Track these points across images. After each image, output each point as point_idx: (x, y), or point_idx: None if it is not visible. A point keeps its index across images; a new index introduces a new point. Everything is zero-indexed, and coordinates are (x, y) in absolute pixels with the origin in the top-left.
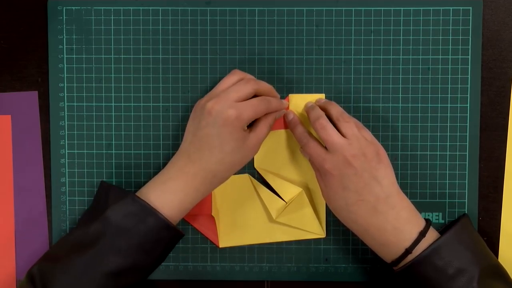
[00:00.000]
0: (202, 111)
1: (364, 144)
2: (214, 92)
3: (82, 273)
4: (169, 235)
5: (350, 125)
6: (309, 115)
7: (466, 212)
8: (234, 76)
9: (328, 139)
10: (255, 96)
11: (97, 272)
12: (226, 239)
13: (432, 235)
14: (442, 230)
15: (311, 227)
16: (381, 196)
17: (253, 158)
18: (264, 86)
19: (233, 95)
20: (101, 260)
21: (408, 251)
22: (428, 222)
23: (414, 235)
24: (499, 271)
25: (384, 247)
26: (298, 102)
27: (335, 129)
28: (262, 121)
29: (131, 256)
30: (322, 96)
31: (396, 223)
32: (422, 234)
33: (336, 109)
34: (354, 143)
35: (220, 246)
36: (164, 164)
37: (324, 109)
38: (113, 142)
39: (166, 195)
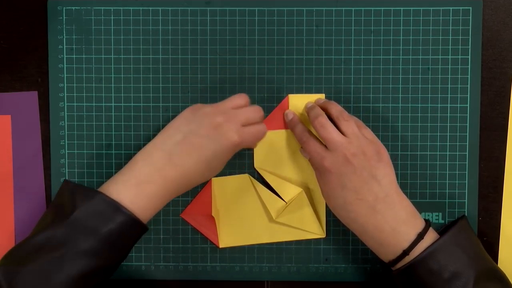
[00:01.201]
0: (206, 120)
1: (364, 142)
2: (221, 107)
3: (49, 276)
4: (138, 231)
5: (350, 123)
6: (309, 114)
7: (466, 212)
8: (242, 100)
9: (327, 137)
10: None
11: (64, 275)
12: (226, 239)
13: (431, 236)
14: (442, 231)
15: (311, 227)
16: (380, 195)
17: (253, 158)
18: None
19: (242, 118)
20: (69, 263)
21: (405, 252)
22: (428, 223)
23: (412, 236)
24: (497, 274)
25: (382, 247)
26: (298, 102)
27: (334, 127)
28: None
29: (99, 256)
30: (322, 96)
31: (394, 224)
32: (420, 236)
33: (336, 108)
34: (354, 141)
35: (220, 246)
36: None
37: (324, 109)
38: (113, 142)
39: (140, 199)
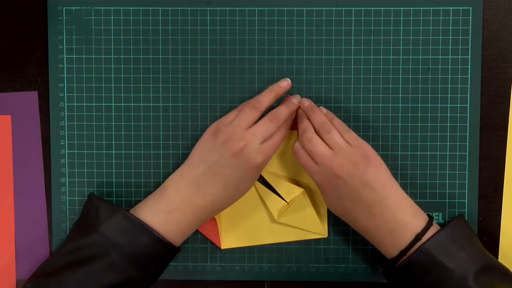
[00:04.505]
0: (226, 149)
1: (348, 151)
2: (237, 131)
3: None
4: (164, 251)
5: (332, 134)
6: (298, 125)
7: (466, 212)
8: (254, 114)
9: (314, 150)
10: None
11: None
12: (228, 241)
13: (430, 235)
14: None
15: (313, 227)
16: (375, 199)
17: None
18: (283, 113)
19: (259, 137)
20: (96, 277)
21: (402, 253)
22: (429, 223)
23: (409, 237)
24: (498, 268)
25: (382, 247)
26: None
27: (321, 141)
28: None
29: (125, 272)
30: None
31: (392, 226)
32: (418, 237)
33: (317, 119)
34: (339, 152)
35: (222, 247)
36: (164, 165)
37: (307, 114)
38: (113, 142)
39: (170, 225)
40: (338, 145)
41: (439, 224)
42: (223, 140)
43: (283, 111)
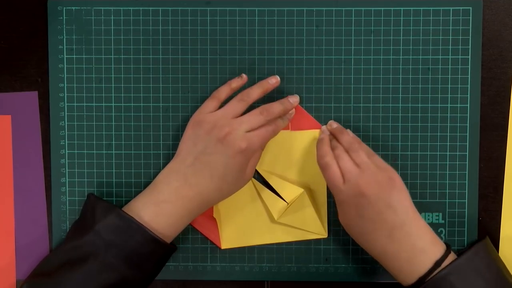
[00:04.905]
0: (210, 137)
1: (375, 171)
2: (222, 120)
3: None
4: (160, 250)
5: (360, 154)
6: (329, 144)
7: (466, 212)
8: (240, 106)
9: (342, 166)
10: None
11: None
12: (228, 241)
13: (449, 262)
14: (460, 253)
15: (313, 228)
16: (396, 223)
17: None
18: (275, 109)
19: (245, 126)
20: (92, 277)
21: (421, 281)
22: (447, 250)
23: (428, 264)
24: None
25: (400, 273)
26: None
27: (349, 158)
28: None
29: (120, 271)
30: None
31: (411, 253)
32: (438, 264)
33: (346, 138)
34: (366, 171)
35: (222, 248)
36: (164, 165)
37: (334, 136)
38: (113, 142)
39: (160, 217)
40: (366, 164)
41: (439, 224)
42: (207, 129)
43: (276, 107)
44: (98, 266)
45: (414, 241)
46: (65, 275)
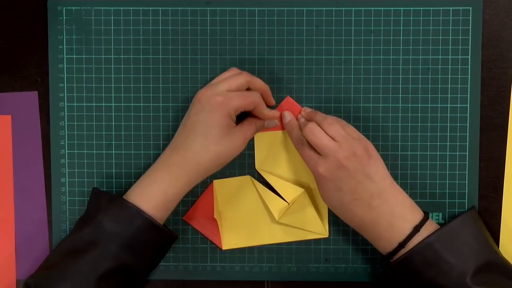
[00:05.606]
0: (193, 101)
1: (352, 143)
2: (209, 85)
3: (78, 278)
4: (160, 237)
5: (335, 127)
6: (300, 124)
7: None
8: (230, 71)
9: (318, 142)
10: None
11: (92, 276)
12: (229, 241)
13: (429, 228)
14: (445, 222)
15: (314, 227)
16: (374, 192)
17: (254, 159)
18: (259, 82)
19: (224, 84)
20: (94, 265)
21: (401, 245)
22: (425, 216)
23: (408, 230)
24: (501, 265)
25: (380, 241)
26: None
27: (324, 133)
28: (251, 119)
29: (120, 258)
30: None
31: (390, 218)
32: (416, 229)
33: (319, 115)
34: (344, 144)
35: (223, 248)
36: None
37: (309, 118)
38: (113, 142)
39: (150, 188)
40: (342, 137)
41: (438, 223)
42: (195, 97)
43: (257, 80)
44: (99, 255)
45: (392, 208)
46: (67, 266)
